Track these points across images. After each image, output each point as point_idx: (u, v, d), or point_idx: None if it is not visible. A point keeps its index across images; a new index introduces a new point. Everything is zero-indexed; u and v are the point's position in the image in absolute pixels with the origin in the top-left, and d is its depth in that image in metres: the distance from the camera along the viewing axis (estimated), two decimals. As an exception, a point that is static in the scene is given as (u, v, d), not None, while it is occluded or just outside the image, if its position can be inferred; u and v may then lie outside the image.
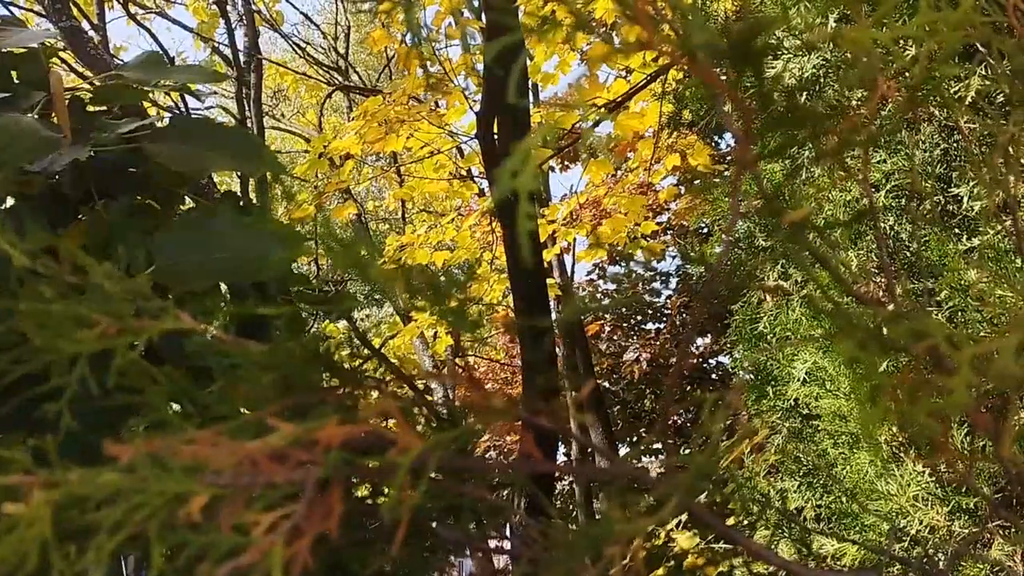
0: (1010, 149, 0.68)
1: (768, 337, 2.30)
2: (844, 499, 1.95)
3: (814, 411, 2.10)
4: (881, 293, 2.01)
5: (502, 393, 0.52)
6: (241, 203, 1.62)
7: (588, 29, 0.61)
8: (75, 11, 6.92)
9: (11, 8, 6.82)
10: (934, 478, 1.84)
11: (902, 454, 1.89)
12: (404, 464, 0.45)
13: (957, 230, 1.77)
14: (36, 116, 1.50)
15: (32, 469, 0.40)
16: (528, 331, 4.29)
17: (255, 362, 0.51)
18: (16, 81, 1.59)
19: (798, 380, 2.11)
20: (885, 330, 0.54)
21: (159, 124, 1.49)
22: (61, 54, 6.57)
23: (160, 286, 1.35)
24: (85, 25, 6.87)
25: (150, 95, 1.66)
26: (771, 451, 2.28)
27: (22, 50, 1.65)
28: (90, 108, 1.62)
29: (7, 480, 0.40)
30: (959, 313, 1.86)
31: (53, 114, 1.52)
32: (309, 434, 0.46)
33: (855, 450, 1.91)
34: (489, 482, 0.71)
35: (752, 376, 2.39)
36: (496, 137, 4.61)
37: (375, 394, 0.55)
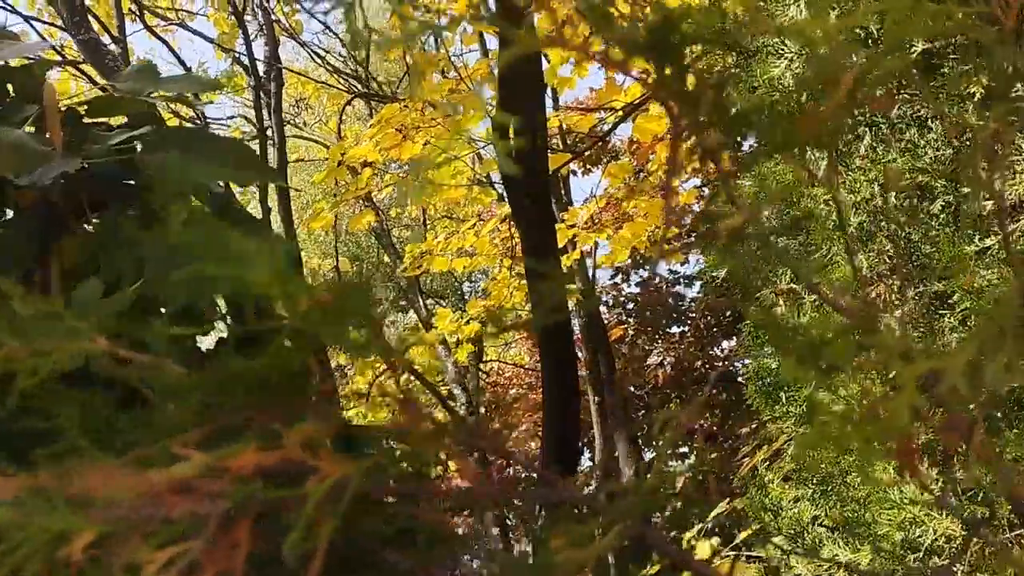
0: (997, 147, 0.64)
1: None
2: (858, 508, 1.90)
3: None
4: (893, 296, 1.96)
5: (429, 416, 0.48)
6: (236, 212, 1.60)
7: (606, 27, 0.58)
8: (96, 25, 6.99)
9: (32, 23, 6.89)
10: (949, 487, 1.79)
11: (916, 462, 1.82)
12: (315, 495, 0.41)
13: (970, 231, 1.72)
14: (30, 129, 1.49)
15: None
16: (547, 336, 4.26)
17: (173, 386, 0.48)
18: (12, 94, 1.58)
19: (811, 386, 2.04)
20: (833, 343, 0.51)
21: (152, 135, 1.47)
22: (82, 66, 6.64)
23: (152, 299, 1.33)
24: (106, 38, 6.94)
25: (162, 106, 1.64)
26: (786, 459, 2.23)
27: (18, 63, 1.64)
28: (86, 120, 1.61)
29: None
30: (972, 317, 1.80)
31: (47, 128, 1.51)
32: (221, 463, 0.43)
33: (870, 458, 1.84)
34: (457, 505, 0.68)
35: (765, 381, 2.34)
36: (512, 141, 4.59)
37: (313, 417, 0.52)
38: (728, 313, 9.06)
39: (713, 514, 3.81)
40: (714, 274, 9.77)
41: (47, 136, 1.47)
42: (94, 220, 1.48)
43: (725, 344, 10.30)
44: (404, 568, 0.58)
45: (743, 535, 3.29)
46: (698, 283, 9.73)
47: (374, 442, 0.52)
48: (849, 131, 1.89)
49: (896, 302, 1.94)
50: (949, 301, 1.88)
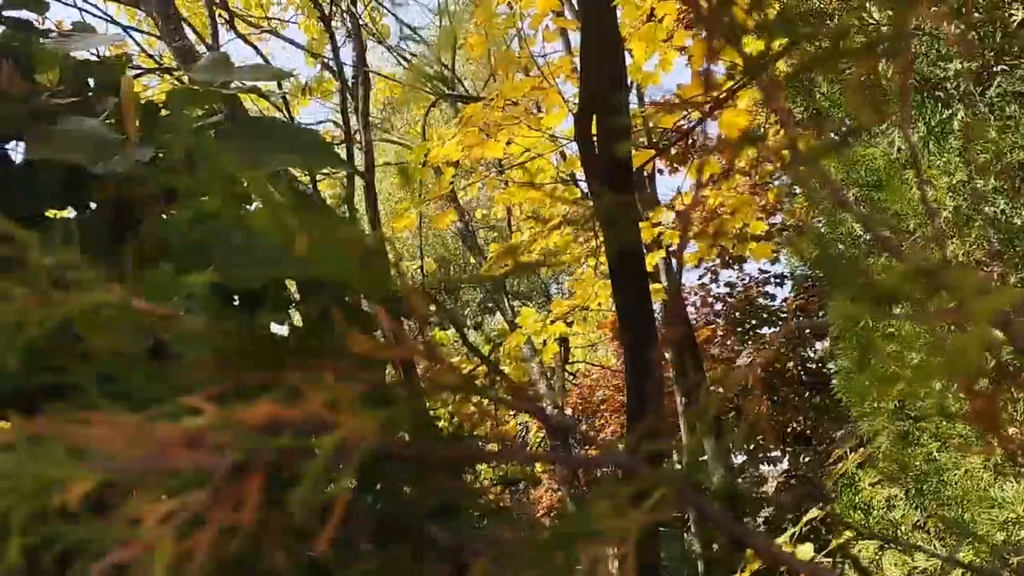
0: None
1: (872, 333, 2.14)
2: (954, 507, 1.79)
3: (921, 413, 1.94)
4: (994, 284, 1.84)
5: (455, 367, 0.45)
6: (309, 199, 1.61)
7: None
8: (191, 34, 7.21)
9: (131, 32, 7.14)
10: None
11: (1020, 457, 1.71)
12: (327, 447, 0.39)
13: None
14: (107, 121, 1.52)
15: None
16: (631, 337, 4.19)
17: (191, 336, 0.46)
18: (91, 87, 1.62)
19: (903, 380, 1.94)
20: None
21: (224, 124, 1.49)
22: (176, 74, 6.85)
23: (222, 285, 1.34)
24: (201, 47, 7.16)
25: (245, 97, 1.66)
26: (879, 457, 2.12)
27: (98, 58, 1.68)
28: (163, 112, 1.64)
29: None
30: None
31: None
32: (232, 416, 0.40)
33: (965, 454, 1.74)
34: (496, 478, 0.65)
35: (855, 378, 2.24)
36: (595, 140, 4.54)
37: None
38: (822, 313, 8.81)
39: (806, 518, 3.68)
40: (806, 273, 9.52)
41: (124, 127, 1.50)
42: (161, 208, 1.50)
43: (819, 346, 10.02)
44: (445, 542, 0.55)
45: (836, 541, 3.17)
46: (789, 282, 9.49)
47: (405, 402, 0.49)
48: (943, 106, 1.79)
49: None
50: (1054, 288, 1.76)
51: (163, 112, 1.66)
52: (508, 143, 5.21)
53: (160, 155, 1.45)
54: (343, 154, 6.17)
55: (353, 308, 1.51)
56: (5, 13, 1.62)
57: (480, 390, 0.45)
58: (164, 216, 1.50)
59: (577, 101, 5.28)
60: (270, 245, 1.32)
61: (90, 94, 1.64)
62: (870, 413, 2.12)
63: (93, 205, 1.55)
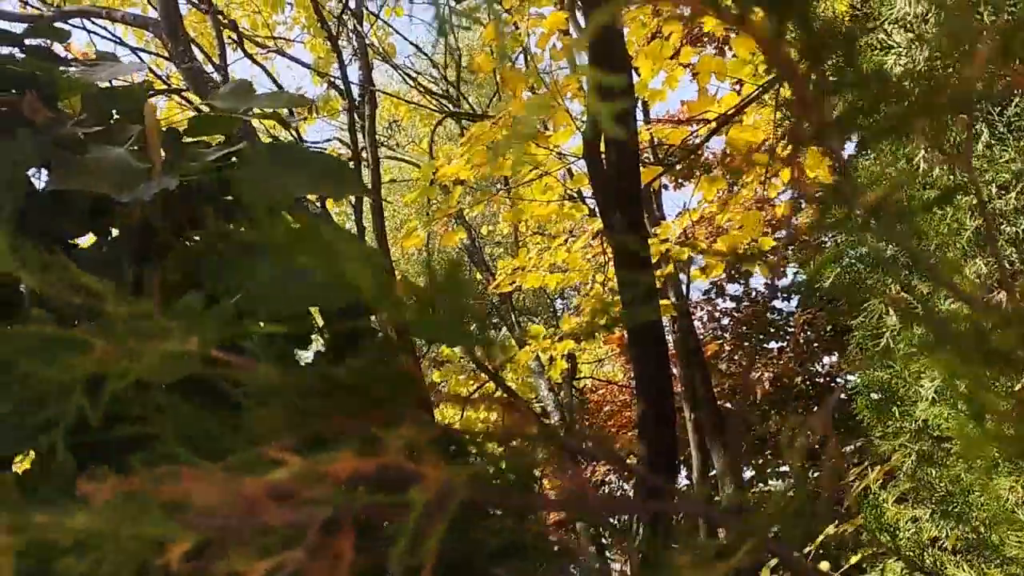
0: None
1: (892, 353, 2.14)
2: (983, 529, 1.78)
3: (945, 433, 1.94)
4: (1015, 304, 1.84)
5: (535, 419, 0.45)
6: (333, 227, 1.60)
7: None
8: (200, 55, 7.25)
9: (139, 54, 7.18)
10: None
11: (1049, 479, 1.72)
12: (418, 502, 0.38)
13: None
14: (131, 148, 1.53)
15: (-3, 510, 0.35)
16: (641, 352, 4.18)
17: (265, 388, 0.46)
18: (114, 115, 1.62)
19: (927, 400, 1.95)
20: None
21: (246, 151, 1.49)
22: (186, 94, 6.88)
23: (249, 312, 1.34)
24: (209, 68, 7.19)
25: (261, 129, 1.67)
26: (901, 477, 2.11)
27: (120, 85, 1.69)
28: (185, 139, 1.64)
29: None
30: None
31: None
32: (317, 468, 0.40)
33: (994, 475, 1.74)
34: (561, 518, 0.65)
35: (876, 396, 2.23)
36: (603, 157, 4.55)
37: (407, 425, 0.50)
38: (829, 327, 8.79)
39: (821, 537, 3.66)
40: (815, 287, 9.51)
41: (148, 155, 1.51)
42: (193, 236, 1.50)
43: (826, 360, 10.01)
44: (509, 584, 0.55)
45: (854, 559, 3.15)
46: (796, 297, 9.48)
47: (476, 448, 0.49)
48: (964, 128, 1.80)
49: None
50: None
51: (185, 139, 1.67)
52: (514, 162, 5.22)
53: (184, 183, 1.45)
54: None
55: (382, 336, 1.51)
56: (27, 42, 1.63)
57: (558, 439, 0.45)
58: (188, 244, 1.50)
59: (585, 119, 5.30)
60: (300, 273, 1.33)
61: (112, 122, 1.65)
62: (892, 433, 2.11)
63: (115, 232, 1.55)
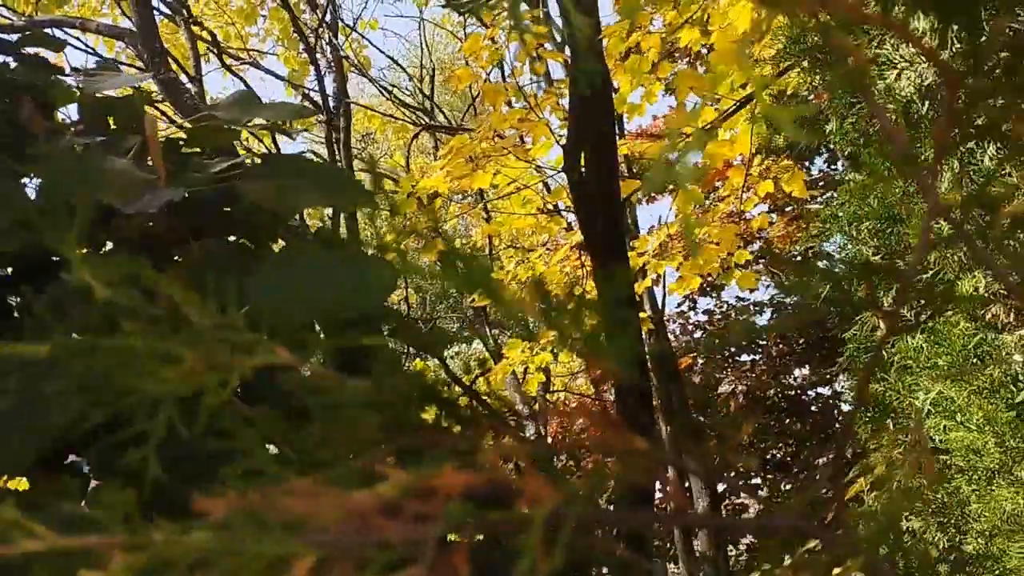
0: None
1: (886, 366, 2.17)
2: (981, 540, 1.79)
3: (941, 445, 1.96)
4: (1011, 317, 1.87)
5: (633, 432, 0.44)
6: (333, 239, 1.59)
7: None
8: (173, 65, 7.20)
9: (115, 64, 7.11)
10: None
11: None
12: (539, 519, 0.38)
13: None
14: (131, 159, 1.51)
15: (110, 528, 0.34)
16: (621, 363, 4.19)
17: (360, 400, 0.45)
18: (112, 125, 1.60)
19: (922, 412, 1.96)
20: None
21: (249, 163, 1.48)
22: (160, 105, 6.83)
23: (254, 324, 1.32)
24: (183, 78, 7.14)
25: (242, 137, 1.66)
26: (894, 487, 2.12)
27: (118, 95, 1.67)
28: (184, 150, 1.62)
29: (83, 542, 0.34)
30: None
31: (148, 158, 1.52)
32: (425, 482, 0.39)
33: (992, 487, 1.76)
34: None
35: (869, 408, 2.25)
36: (584, 170, 4.57)
37: (492, 436, 0.49)
38: (802, 340, 8.88)
39: (803, 549, 3.68)
40: (786, 300, 9.59)
41: (150, 165, 1.49)
42: (193, 249, 1.48)
43: (797, 372, 10.08)
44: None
45: (838, 571, 3.16)
46: (769, 310, 9.56)
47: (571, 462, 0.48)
48: (962, 142, 1.82)
49: (1015, 323, 1.85)
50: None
51: (184, 150, 1.65)
52: (495, 174, 5.23)
53: (188, 194, 1.43)
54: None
55: (384, 347, 1.49)
56: (24, 50, 1.60)
57: (654, 454, 0.44)
58: (196, 255, 1.48)
59: (564, 132, 5.32)
60: (307, 284, 1.31)
61: (106, 132, 1.62)
62: (886, 445, 2.13)
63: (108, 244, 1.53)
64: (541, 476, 0.42)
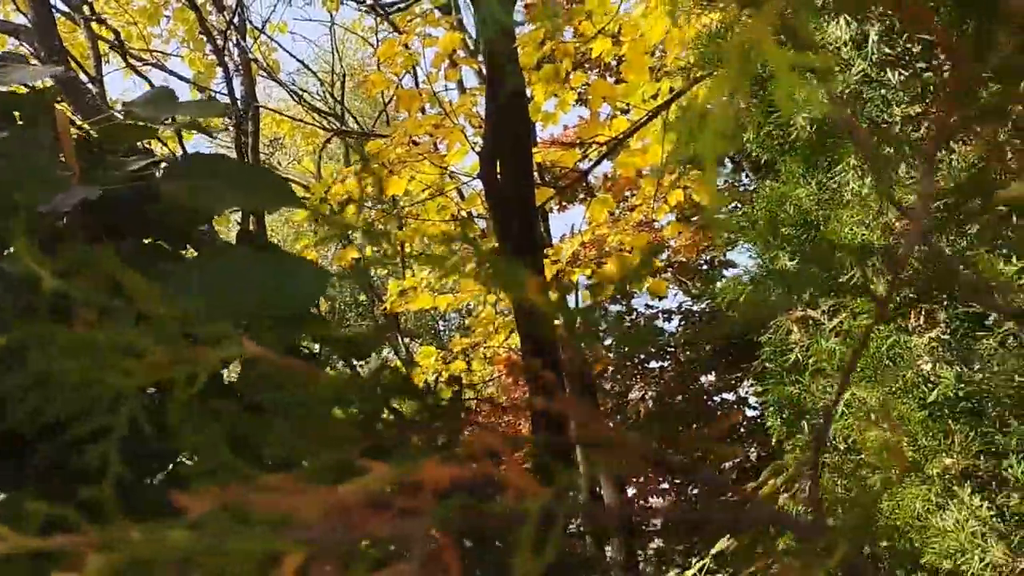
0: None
1: (800, 369, 2.23)
2: (895, 538, 1.85)
3: (853, 445, 2.02)
4: (922, 320, 1.94)
5: (619, 427, 0.44)
6: (258, 241, 1.55)
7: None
8: (72, 64, 6.94)
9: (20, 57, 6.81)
10: (994, 512, 1.76)
11: (955, 487, 1.80)
12: (533, 511, 0.37)
13: (1007, 251, 1.71)
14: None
15: (81, 528, 0.32)
16: (536, 372, 4.20)
17: (333, 394, 0.43)
18: (20, 120, 1.53)
19: (835, 413, 2.02)
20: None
21: (168, 161, 1.43)
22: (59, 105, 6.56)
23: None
24: (83, 77, 6.89)
25: (159, 135, 1.60)
26: (807, 487, 2.17)
27: (23, 89, 1.60)
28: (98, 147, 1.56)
29: (51, 543, 0.32)
30: (1011, 338, 1.79)
31: (61, 155, 1.46)
32: (410, 475, 0.38)
33: (903, 485, 1.82)
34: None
35: (783, 410, 2.30)
36: (500, 176, 4.58)
37: (469, 430, 0.48)
38: (708, 347, 9.06)
39: (715, 549, 3.75)
40: (693, 308, 9.78)
41: (61, 162, 1.42)
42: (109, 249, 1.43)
43: (703, 379, 10.28)
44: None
45: (748, 571, 3.22)
46: (677, 317, 9.73)
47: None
48: (839, 151, 1.90)
49: (925, 326, 1.93)
50: (986, 323, 1.87)
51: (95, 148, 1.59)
52: (410, 180, 5.19)
53: (103, 192, 1.37)
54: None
55: (300, 349, 1.46)
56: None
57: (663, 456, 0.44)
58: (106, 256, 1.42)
59: (479, 139, 5.33)
60: (234, 285, 1.27)
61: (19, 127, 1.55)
62: (801, 446, 2.19)
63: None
64: (526, 471, 0.41)
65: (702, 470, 0.48)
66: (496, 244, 5.04)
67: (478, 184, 5.73)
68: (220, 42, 7.09)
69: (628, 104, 5.69)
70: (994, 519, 1.78)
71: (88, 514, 0.35)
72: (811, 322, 2.18)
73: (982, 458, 1.82)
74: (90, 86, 6.73)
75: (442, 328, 15.49)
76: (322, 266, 1.36)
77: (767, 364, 2.36)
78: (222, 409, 0.43)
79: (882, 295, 2.01)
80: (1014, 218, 0.45)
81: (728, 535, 3.69)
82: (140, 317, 0.45)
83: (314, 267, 1.35)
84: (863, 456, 1.89)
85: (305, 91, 9.46)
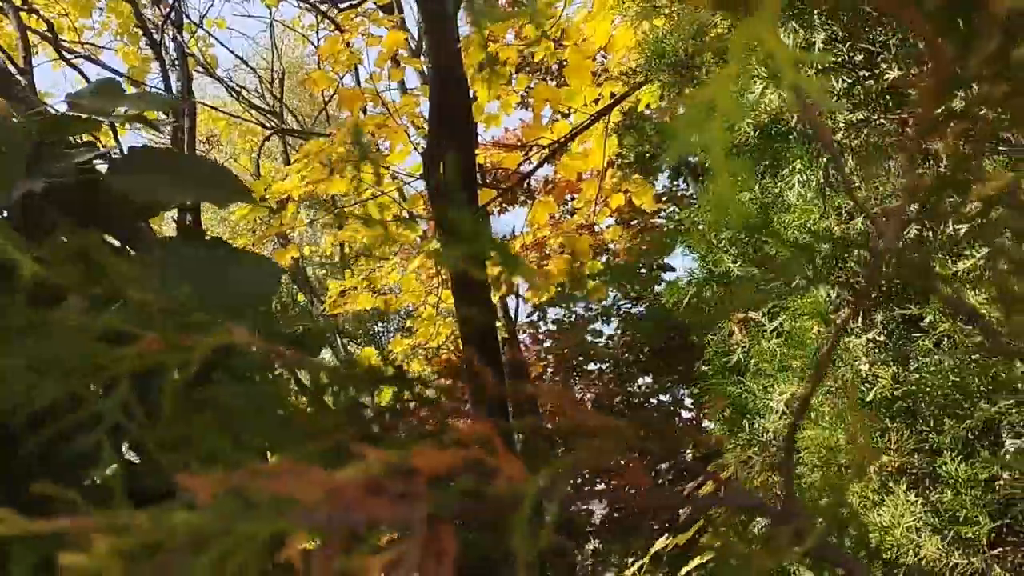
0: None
1: (743, 369, 2.27)
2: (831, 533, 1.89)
3: (796, 444, 2.06)
4: (859, 321, 2.00)
5: (605, 415, 0.45)
6: (203, 236, 1.53)
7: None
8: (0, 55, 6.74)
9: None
10: (928, 508, 1.82)
11: (891, 484, 1.86)
12: (531, 492, 0.38)
13: (940, 254, 1.77)
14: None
15: (85, 511, 0.32)
16: (477, 373, 4.21)
17: (326, 381, 0.43)
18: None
19: (776, 412, 2.07)
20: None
21: (115, 154, 1.40)
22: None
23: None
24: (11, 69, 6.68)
25: (105, 125, 1.57)
26: (749, 485, 2.23)
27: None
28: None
29: (55, 525, 0.32)
30: (946, 340, 1.86)
31: None
32: (405, 461, 0.39)
33: (843, 482, 1.87)
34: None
35: (725, 410, 2.35)
36: (443, 176, 4.57)
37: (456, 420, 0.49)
38: (646, 350, 9.17)
39: (654, 549, 3.79)
40: (631, 310, 9.88)
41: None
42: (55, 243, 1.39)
43: (641, 380, 10.39)
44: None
45: (685, 569, 3.28)
46: (616, 319, 9.82)
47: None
48: (815, 157, 1.95)
49: (861, 328, 1.99)
50: (922, 324, 1.93)
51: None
52: (353, 179, 5.16)
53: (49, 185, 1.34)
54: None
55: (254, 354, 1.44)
56: None
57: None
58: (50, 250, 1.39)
59: (421, 140, 5.31)
60: (196, 279, 1.26)
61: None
62: (742, 445, 2.23)
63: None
64: (512, 458, 0.42)
65: (678, 459, 0.50)
66: (438, 243, 5.01)
67: (420, 185, 5.72)
68: (156, 36, 6.95)
69: (570, 108, 5.72)
70: (928, 515, 1.84)
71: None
72: (752, 324, 2.23)
73: (917, 456, 1.88)
74: (19, 77, 6.54)
75: (380, 329, 15.39)
76: (272, 260, 1.35)
77: (704, 366, 2.41)
78: (215, 396, 0.43)
79: (821, 301, 2.08)
80: (992, 214, 0.47)
81: (667, 534, 3.74)
82: (122, 305, 0.45)
83: (270, 263, 1.34)
84: (800, 455, 1.94)
85: (243, 88, 9.32)
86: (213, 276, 1.16)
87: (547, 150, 5.30)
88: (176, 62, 7.92)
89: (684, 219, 2.52)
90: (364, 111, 6.20)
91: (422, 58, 6.59)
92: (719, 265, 2.19)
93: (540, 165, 5.47)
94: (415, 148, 5.27)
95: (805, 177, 1.95)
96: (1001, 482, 1.78)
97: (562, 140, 5.26)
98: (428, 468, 0.39)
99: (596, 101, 5.68)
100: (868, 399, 1.93)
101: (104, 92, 1.53)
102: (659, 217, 8.61)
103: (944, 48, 0.36)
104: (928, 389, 1.82)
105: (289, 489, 0.35)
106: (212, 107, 9.34)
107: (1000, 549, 1.82)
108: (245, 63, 9.49)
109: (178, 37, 7.85)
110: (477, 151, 6.40)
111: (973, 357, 1.74)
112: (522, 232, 6.18)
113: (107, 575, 0.31)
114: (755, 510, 0.50)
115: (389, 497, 0.38)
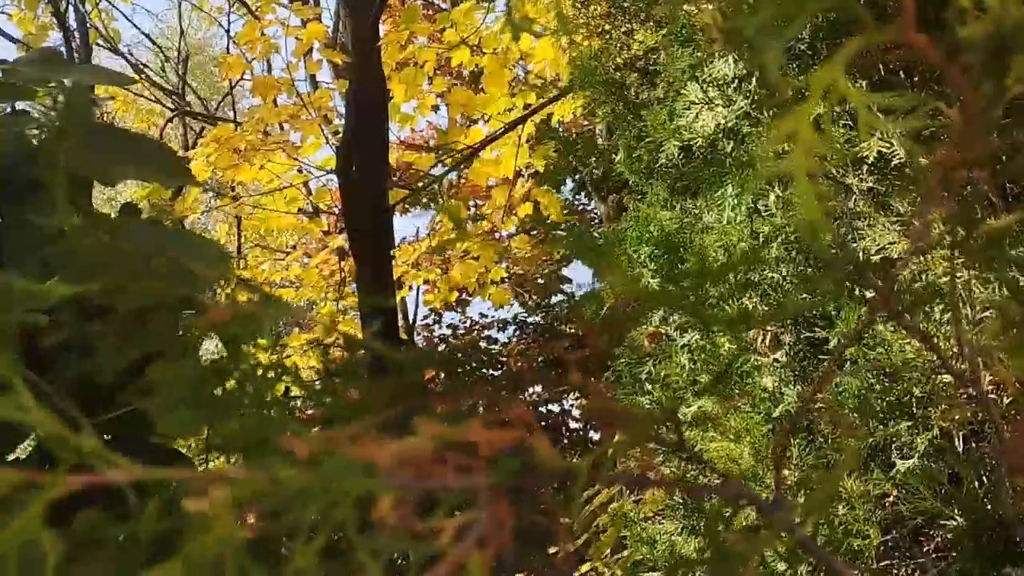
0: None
1: (652, 382, 2.36)
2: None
3: (698, 454, 2.14)
4: (768, 342, 2.11)
5: (620, 403, 0.50)
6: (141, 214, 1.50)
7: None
8: None
9: None
10: (823, 521, 1.92)
11: (790, 498, 1.96)
12: (583, 470, 0.42)
13: (849, 282, 1.88)
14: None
15: (200, 464, 0.35)
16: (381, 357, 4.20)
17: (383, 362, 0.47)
18: None
19: (684, 423, 2.14)
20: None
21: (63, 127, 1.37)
22: None
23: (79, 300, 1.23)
24: None
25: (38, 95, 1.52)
26: (652, 495, 2.32)
27: None
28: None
29: (175, 473, 0.34)
30: (848, 363, 1.98)
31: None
32: (464, 436, 0.42)
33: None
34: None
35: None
36: (355, 171, 4.56)
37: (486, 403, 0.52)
38: (540, 359, 9.28)
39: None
40: (528, 319, 10.01)
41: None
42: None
43: (531, 389, 10.52)
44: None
45: (587, 565, 3.37)
46: (512, 327, 9.92)
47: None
48: (720, 180, 2.05)
49: (770, 347, 2.09)
50: (826, 347, 2.05)
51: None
52: (260, 168, 5.08)
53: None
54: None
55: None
56: None
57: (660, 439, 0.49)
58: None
59: (334, 134, 5.27)
60: (118, 261, 1.24)
61: None
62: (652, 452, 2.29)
63: None
64: (548, 438, 0.46)
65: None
66: (347, 238, 5.00)
67: (328, 179, 5.68)
68: (61, 5, 6.69)
69: (485, 115, 5.78)
70: (822, 527, 1.95)
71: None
72: (664, 337, 2.32)
73: (815, 472, 2.00)
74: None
75: (281, 325, 15.08)
76: (222, 245, 1.35)
77: (612, 377, 2.49)
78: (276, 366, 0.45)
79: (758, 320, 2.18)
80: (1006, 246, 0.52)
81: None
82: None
83: (216, 245, 1.34)
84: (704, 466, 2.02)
85: (147, 66, 9.04)
86: (172, 255, 1.15)
87: (460, 155, 5.34)
88: (75, 32, 7.64)
89: (606, 234, 2.60)
90: (275, 102, 6.12)
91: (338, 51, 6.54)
92: (638, 279, 2.27)
93: (453, 168, 5.51)
94: (327, 141, 5.23)
95: (737, 202, 2.05)
96: (891, 498, 1.92)
97: (475, 147, 5.31)
98: (486, 444, 0.42)
99: (510, 110, 5.74)
100: (775, 415, 2.04)
101: (47, 61, 1.49)
102: (560, 229, 8.75)
103: (968, 88, 0.41)
104: (827, 409, 1.94)
105: (370, 454, 0.39)
106: (115, 84, 9.01)
107: (887, 562, 1.95)
108: (151, 39, 9.21)
109: (80, 7, 7.58)
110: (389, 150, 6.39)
111: (870, 381, 1.87)
112: (428, 234, 6.20)
113: (225, 522, 0.33)
114: (747, 501, 0.55)
115: (453, 468, 0.41)
